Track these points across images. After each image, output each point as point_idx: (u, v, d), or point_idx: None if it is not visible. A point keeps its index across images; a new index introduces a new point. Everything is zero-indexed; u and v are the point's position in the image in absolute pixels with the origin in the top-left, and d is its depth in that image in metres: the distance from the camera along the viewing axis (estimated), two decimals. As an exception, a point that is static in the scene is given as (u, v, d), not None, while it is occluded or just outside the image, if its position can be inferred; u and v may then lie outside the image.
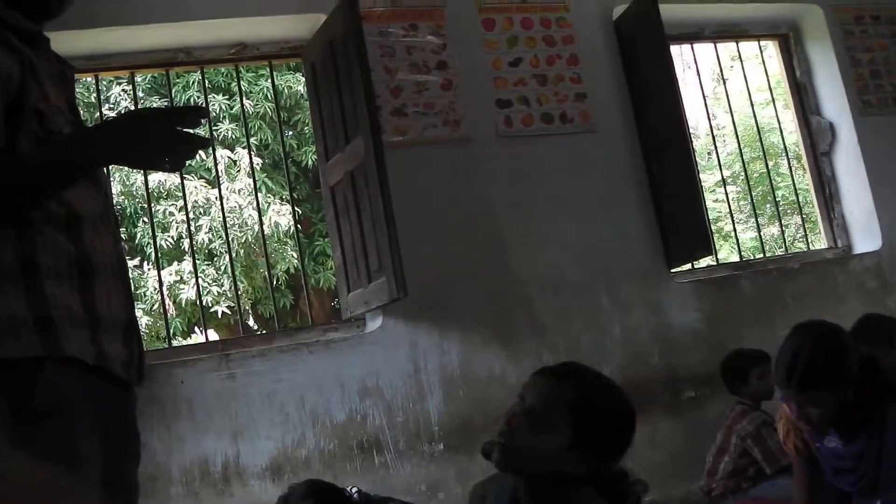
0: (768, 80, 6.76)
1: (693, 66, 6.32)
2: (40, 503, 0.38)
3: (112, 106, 11.41)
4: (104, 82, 10.60)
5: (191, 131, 1.88)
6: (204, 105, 1.75)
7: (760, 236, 7.27)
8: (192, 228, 10.79)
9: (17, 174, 1.79)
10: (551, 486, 2.10)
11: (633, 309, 5.07)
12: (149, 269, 11.24)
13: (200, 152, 1.92)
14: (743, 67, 6.29)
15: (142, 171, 7.61)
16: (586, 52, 5.34)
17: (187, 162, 1.93)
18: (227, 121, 11.74)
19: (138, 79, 8.88)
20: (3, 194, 1.76)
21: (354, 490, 3.10)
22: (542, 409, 2.13)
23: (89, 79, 5.43)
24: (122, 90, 11.33)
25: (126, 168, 10.85)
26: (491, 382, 4.70)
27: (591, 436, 2.09)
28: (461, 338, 4.72)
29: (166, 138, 1.84)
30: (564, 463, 2.08)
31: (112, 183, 9.75)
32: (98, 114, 6.13)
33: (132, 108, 10.46)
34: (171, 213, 11.23)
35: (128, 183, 11.13)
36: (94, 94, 7.73)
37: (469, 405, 4.65)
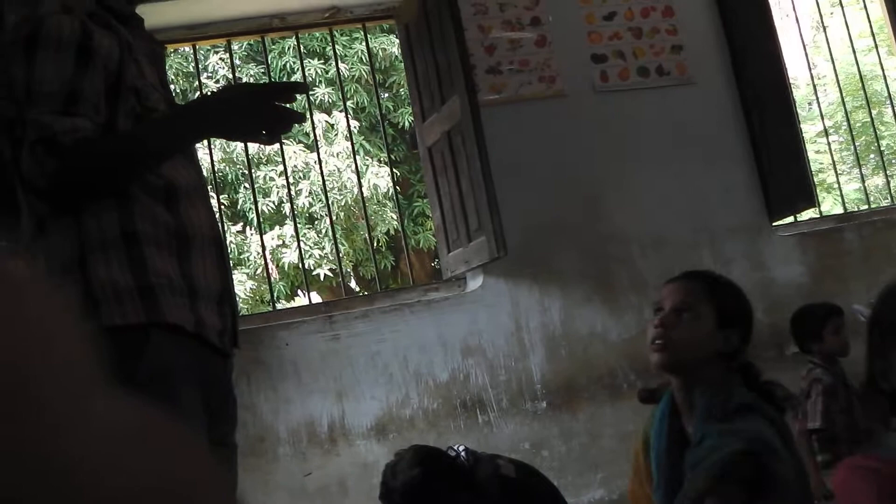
0: (871, 26, 6.55)
1: (792, 13, 6.15)
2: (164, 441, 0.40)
3: (210, 74, 11.59)
4: (202, 51, 10.74)
5: (287, 106, 1.91)
6: (302, 80, 1.79)
7: (865, 187, 7.06)
8: (293, 193, 10.92)
9: (122, 147, 1.85)
10: (705, 378, 2.27)
11: (736, 263, 4.99)
12: (251, 234, 11.42)
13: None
14: (844, 13, 6.09)
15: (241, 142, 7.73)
16: (682, 2, 5.23)
17: (283, 136, 1.97)
18: (324, 85, 11.83)
19: (235, 46, 8.98)
20: (109, 167, 1.83)
21: (462, 448, 3.13)
22: (686, 303, 2.33)
23: (187, 48, 5.53)
24: (220, 59, 11.49)
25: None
26: (592, 339, 4.69)
27: (731, 311, 2.38)
28: (562, 295, 4.70)
29: (264, 112, 1.89)
30: (715, 344, 2.30)
31: (213, 150, 9.92)
32: (197, 82, 6.23)
33: (230, 75, 10.61)
34: (272, 178, 11.39)
35: (228, 150, 11.29)
36: (193, 64, 7.85)
37: (571, 363, 4.65)
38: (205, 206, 2.01)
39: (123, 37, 1.93)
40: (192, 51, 5.34)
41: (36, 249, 1.84)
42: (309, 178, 11.50)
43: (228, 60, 8.86)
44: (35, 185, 1.76)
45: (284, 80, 11.38)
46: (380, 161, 11.78)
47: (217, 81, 11.80)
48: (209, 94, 1.69)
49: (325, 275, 11.40)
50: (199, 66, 7.26)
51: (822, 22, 6.93)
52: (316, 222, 11.70)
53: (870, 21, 6.43)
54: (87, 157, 1.81)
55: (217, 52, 11.41)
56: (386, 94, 12.04)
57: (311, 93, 11.11)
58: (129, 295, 1.77)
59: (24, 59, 1.80)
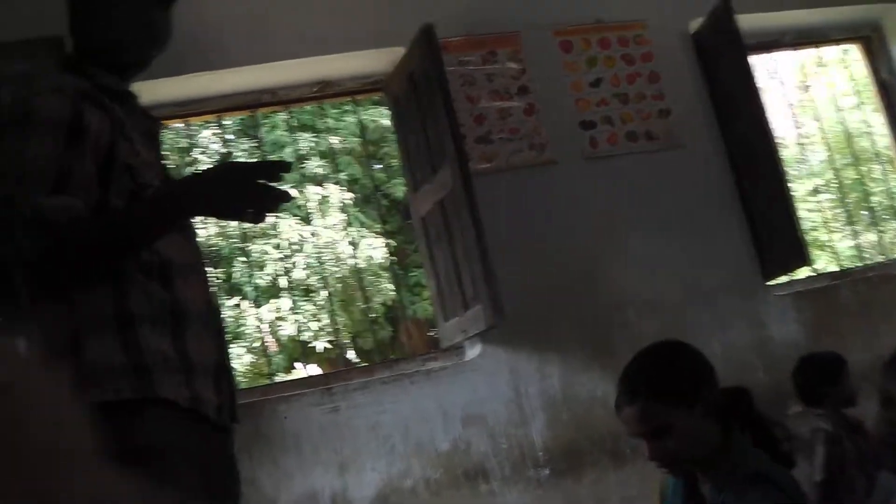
0: (854, 85, 6.62)
1: (776, 74, 6.23)
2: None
3: (203, 149, 11.66)
4: (194, 126, 10.84)
5: (273, 185, 1.92)
6: (286, 160, 1.81)
7: (858, 244, 7.10)
8: (288, 266, 10.94)
9: (108, 232, 1.87)
10: (715, 459, 2.19)
11: (732, 324, 4.99)
12: (248, 308, 11.42)
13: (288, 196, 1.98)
14: (827, 73, 6.17)
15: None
16: (666, 68, 5.29)
17: (270, 214, 1.98)
18: (316, 158, 11.90)
19: (227, 121, 9.05)
20: (96, 252, 1.84)
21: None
22: (652, 425, 2.20)
23: (179, 124, 5.62)
24: (212, 133, 11.57)
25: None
26: (593, 404, 4.67)
27: (690, 386, 2.22)
28: (561, 361, 4.70)
29: (249, 191, 1.90)
30: (707, 428, 2.19)
31: (208, 225, 9.95)
32: (189, 158, 6.27)
33: (222, 150, 10.67)
34: (267, 252, 11.40)
35: (223, 225, 11.32)
36: (185, 139, 7.92)
37: (573, 428, 4.62)
38: (200, 282, 2.03)
39: (116, 115, 1.96)
40: (184, 126, 5.38)
41: (31, 328, 1.84)
42: (304, 251, 11.53)
43: (221, 135, 8.92)
44: (29, 261, 1.77)
45: (276, 154, 11.47)
46: (375, 232, 11.82)
47: (210, 156, 11.88)
48: (195, 172, 1.71)
49: (322, 346, 11.38)
50: (192, 141, 7.32)
51: (806, 81, 7.02)
52: (313, 294, 11.70)
53: (853, 79, 6.50)
54: (79, 236, 1.83)
55: (209, 128, 11.49)
56: (378, 166, 12.12)
57: (302, 166, 11.18)
58: (124, 372, 1.79)
59: (15, 139, 1.83)
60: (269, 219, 1.88)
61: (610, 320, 4.82)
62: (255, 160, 1.87)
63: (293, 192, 10.45)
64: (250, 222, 1.96)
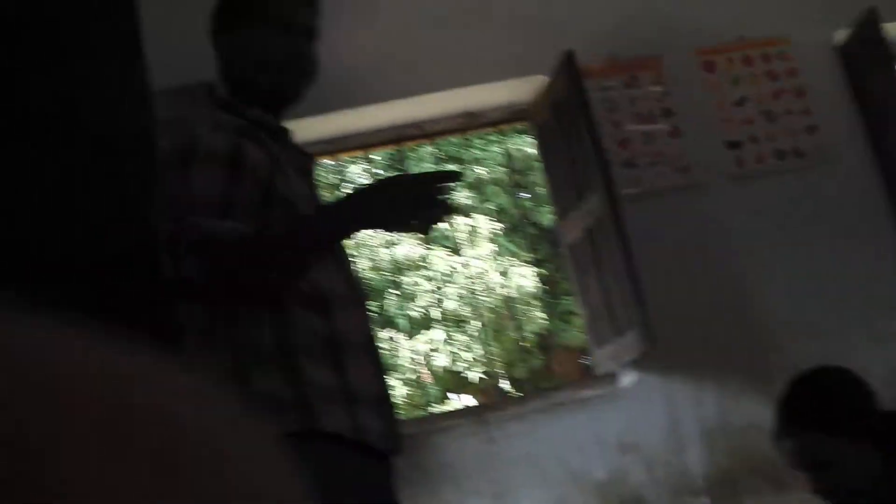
0: None
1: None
2: None
3: (352, 184, 11.90)
4: (342, 162, 11.07)
5: (439, 196, 1.93)
6: (455, 170, 1.84)
7: None
8: (440, 297, 11.03)
9: (279, 247, 1.92)
10: (879, 488, 2.11)
11: (890, 342, 4.80)
12: (401, 339, 11.55)
13: (444, 220, 2.00)
14: None
15: (388, 245, 7.85)
16: (812, 82, 5.15)
17: (436, 224, 2.00)
18: (463, 189, 12.00)
19: (374, 156, 9.21)
20: (265, 270, 1.90)
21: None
22: (809, 456, 2.15)
23: (329, 161, 5.77)
24: (361, 168, 11.80)
25: (373, 242, 11.28)
26: (750, 430, 4.55)
27: (844, 417, 2.14)
28: (716, 387, 4.60)
29: (417, 202, 1.92)
30: (865, 455, 2.11)
31: (360, 258, 10.12)
32: (339, 193, 6.40)
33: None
34: (418, 283, 11.53)
35: (375, 258, 11.52)
36: (334, 175, 8.09)
37: (731, 455, 4.52)
38: (358, 313, 2.05)
39: (272, 150, 2.02)
40: (333, 163, 5.50)
41: (196, 362, 1.91)
42: (455, 282, 11.62)
43: (369, 170, 9.09)
44: (197, 283, 1.82)
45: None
46: (524, 261, 11.83)
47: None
48: (364, 187, 1.77)
49: (477, 377, 11.42)
50: (341, 176, 7.47)
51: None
52: (464, 325, 11.76)
53: None
54: (247, 253, 1.88)
55: (357, 163, 11.73)
56: (525, 194, 12.13)
57: (451, 197, 11.28)
58: (287, 405, 1.81)
59: (181, 174, 1.90)
60: (438, 227, 1.90)
61: (764, 344, 4.70)
62: (423, 171, 1.90)
63: (445, 222, 10.55)
64: (417, 233, 1.98)
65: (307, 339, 1.89)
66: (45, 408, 0.28)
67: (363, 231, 2.02)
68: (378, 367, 2.04)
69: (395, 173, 10.82)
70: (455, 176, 1.98)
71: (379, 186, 2.05)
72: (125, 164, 1.33)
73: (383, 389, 2.03)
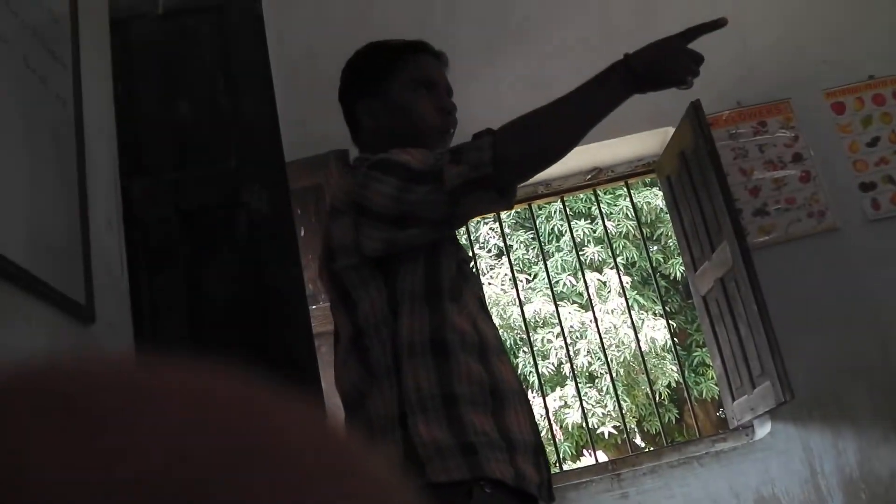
0: None
1: None
2: None
3: (482, 245, 11.98)
4: (473, 223, 11.18)
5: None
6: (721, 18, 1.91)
7: None
8: (571, 353, 10.98)
9: (577, 99, 2.00)
10: None
11: None
12: (533, 397, 11.51)
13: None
14: None
15: (518, 304, 7.82)
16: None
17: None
18: (592, 244, 11.98)
19: (503, 215, 9.29)
20: (570, 123, 1.99)
21: None
22: None
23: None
24: (490, 229, 11.89)
25: (503, 301, 11.32)
26: (894, 481, 4.41)
27: None
28: (856, 436, 4.47)
29: (686, 54, 2.00)
30: None
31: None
32: (471, 254, 6.45)
33: (500, 244, 10.92)
34: (549, 341, 11.51)
35: (505, 316, 11.55)
36: (465, 236, 8.18)
37: (875, 506, 4.38)
38: (509, 362, 2.09)
39: None
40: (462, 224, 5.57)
41: (356, 412, 1.96)
42: (586, 338, 11.56)
43: (498, 229, 9.16)
44: (485, 176, 1.86)
45: (553, 242, 11.62)
46: (655, 314, 11.71)
47: (489, 251, 12.18)
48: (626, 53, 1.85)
49: (609, 432, 11.30)
50: (472, 237, 7.56)
51: None
52: (596, 381, 11.68)
53: None
54: (513, 124, 1.98)
55: (487, 223, 11.82)
56: (655, 247, 12.05)
57: (581, 252, 11.28)
58: (451, 452, 1.83)
59: (381, 175, 1.95)
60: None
61: (905, 390, 4.55)
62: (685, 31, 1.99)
63: (572, 280, 10.51)
64: (684, 87, 2.04)
65: (468, 387, 1.92)
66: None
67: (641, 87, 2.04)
68: (531, 416, 2.06)
69: (523, 231, 10.84)
70: (722, 21, 2.05)
71: (654, 44, 2.06)
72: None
73: (538, 439, 2.05)
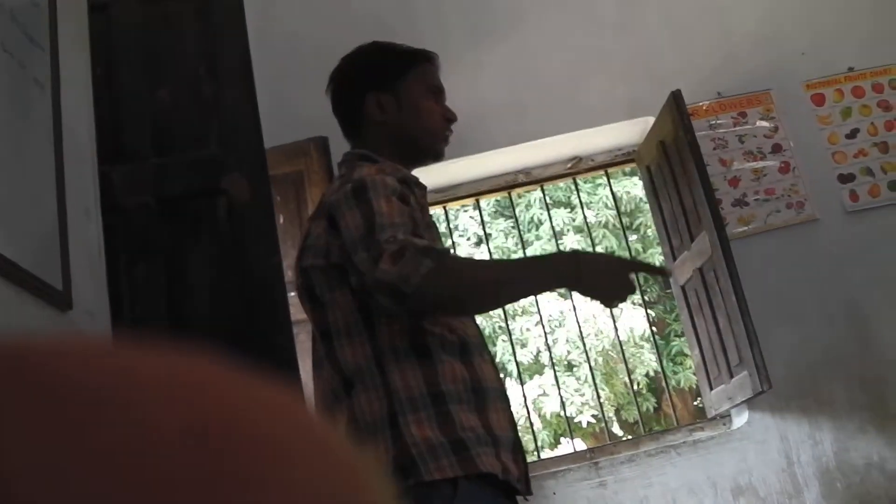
0: None
1: None
2: None
3: (461, 233, 11.98)
4: (452, 211, 11.17)
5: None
6: (668, 270, 1.98)
7: None
8: (550, 341, 11.01)
9: (491, 265, 2.04)
10: None
11: None
12: (512, 385, 11.54)
13: None
14: None
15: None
16: (928, 112, 5.05)
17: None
18: (571, 233, 11.99)
19: (483, 203, 9.30)
20: (478, 280, 1.97)
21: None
22: None
23: (438, 210, 5.82)
24: (469, 217, 11.89)
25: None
26: (870, 471, 4.44)
27: None
28: (833, 426, 4.50)
29: (624, 280, 2.01)
30: None
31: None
32: (450, 241, 6.45)
33: (480, 231, 10.94)
34: (528, 329, 11.53)
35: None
36: (444, 224, 8.16)
37: (849, 497, 4.40)
38: (490, 359, 2.12)
39: (422, 202, 2.15)
40: (443, 212, 5.56)
41: (340, 409, 1.97)
42: (565, 326, 11.58)
43: (478, 217, 9.16)
44: (402, 292, 1.83)
45: (533, 231, 11.63)
46: (633, 303, 11.74)
47: (468, 239, 12.18)
48: (577, 250, 1.94)
49: (587, 421, 11.34)
50: (451, 224, 7.56)
51: None
52: (574, 369, 11.71)
53: None
54: (458, 265, 2.03)
55: (466, 211, 11.82)
56: (634, 237, 12.08)
57: (561, 242, 11.29)
58: (444, 450, 1.87)
59: (356, 205, 1.97)
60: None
61: (884, 379, 4.57)
62: (636, 260, 2.07)
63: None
64: (608, 306, 2.05)
65: (454, 387, 1.95)
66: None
67: (577, 286, 2.05)
68: (510, 413, 2.09)
69: (503, 219, 10.85)
70: (668, 272, 2.21)
71: (598, 257, 2.17)
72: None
73: (516, 434, 2.07)
